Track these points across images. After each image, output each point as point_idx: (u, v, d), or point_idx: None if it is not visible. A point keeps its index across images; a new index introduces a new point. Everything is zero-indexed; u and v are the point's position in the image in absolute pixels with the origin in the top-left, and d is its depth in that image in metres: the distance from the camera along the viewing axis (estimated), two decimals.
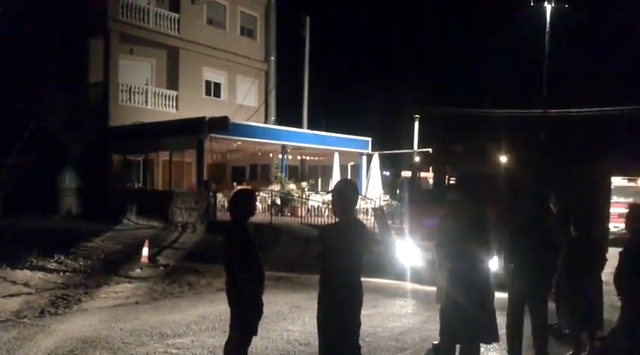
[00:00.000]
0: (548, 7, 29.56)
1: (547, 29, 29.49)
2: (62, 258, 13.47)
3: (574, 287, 6.66)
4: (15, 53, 25.32)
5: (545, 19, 29.60)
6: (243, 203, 5.34)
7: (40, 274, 11.62)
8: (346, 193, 4.92)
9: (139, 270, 12.53)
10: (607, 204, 12.32)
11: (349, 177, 25.84)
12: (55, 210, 23.79)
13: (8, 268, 11.83)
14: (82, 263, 13.20)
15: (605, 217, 11.75)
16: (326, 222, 17.32)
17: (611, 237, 11.00)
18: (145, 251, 13.58)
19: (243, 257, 5.07)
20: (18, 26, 25.38)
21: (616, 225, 12.26)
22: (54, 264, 12.80)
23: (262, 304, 5.23)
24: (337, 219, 4.98)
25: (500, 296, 6.11)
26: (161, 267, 13.07)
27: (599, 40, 43.05)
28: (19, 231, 17.41)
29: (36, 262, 12.81)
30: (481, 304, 5.56)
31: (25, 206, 22.04)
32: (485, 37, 49.73)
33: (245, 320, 5.16)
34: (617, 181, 19.57)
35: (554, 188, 8.46)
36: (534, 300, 6.42)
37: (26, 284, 10.62)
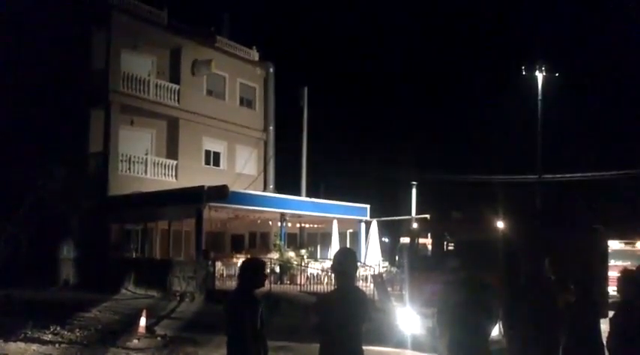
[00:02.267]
0: (540, 76, 30.42)
1: (539, 97, 30.26)
2: (58, 329, 13.24)
3: (575, 352, 6.60)
4: (15, 123, 25.71)
5: (537, 87, 30.41)
6: (255, 272, 5.28)
7: (34, 346, 11.41)
8: (345, 262, 4.97)
9: (136, 341, 12.34)
10: (605, 267, 12.32)
11: (348, 244, 25.80)
12: (53, 280, 23.60)
13: (1, 340, 11.61)
14: (78, 334, 12.99)
15: (604, 281, 11.74)
16: (325, 290, 17.20)
17: (610, 300, 10.95)
18: (143, 321, 13.40)
19: (253, 328, 5.01)
20: (19, 96, 25.88)
21: (615, 288, 12.22)
22: (49, 336, 12.58)
23: None
24: (335, 287, 5.01)
25: None
26: (159, 338, 12.87)
27: (591, 104, 43.92)
28: (15, 301, 17.21)
29: (31, 334, 12.57)
30: None
31: (22, 276, 21.87)
32: (481, 105, 50.71)
33: None
34: (614, 245, 19.61)
35: (552, 253, 8.49)
36: None
37: None
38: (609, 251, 13.87)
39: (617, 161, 31.51)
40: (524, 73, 30.93)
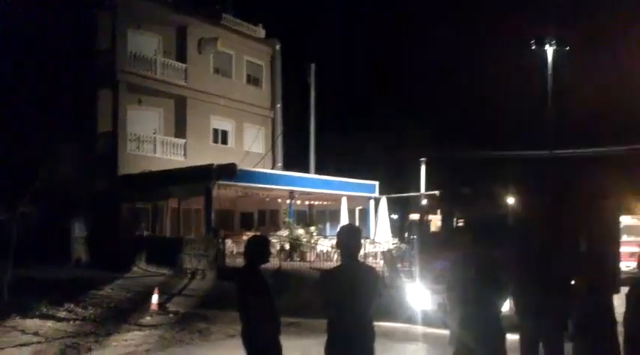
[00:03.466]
0: (550, 50, 30.05)
1: (549, 71, 29.91)
2: (72, 306, 13.43)
3: (587, 329, 6.59)
4: (26, 103, 25.76)
5: (547, 61, 30.06)
6: (259, 248, 5.38)
7: (49, 323, 11.59)
8: (349, 238, 4.96)
9: (149, 318, 12.49)
10: (617, 243, 12.26)
11: (357, 222, 25.86)
12: (65, 258, 23.80)
13: (18, 317, 11.81)
14: (92, 311, 13.16)
15: (616, 256, 11.69)
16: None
17: (622, 276, 10.93)
18: (155, 298, 13.55)
19: (259, 302, 5.08)
20: (26, 77, 25.89)
21: (627, 264, 12.18)
22: (64, 313, 12.76)
23: (281, 350, 5.22)
24: (341, 263, 5.00)
25: (512, 337, 6.06)
26: (171, 315, 13.02)
27: (603, 78, 43.47)
28: (29, 280, 17.39)
29: (46, 311, 12.77)
30: (492, 348, 5.52)
31: (35, 255, 22.07)
32: (491, 80, 50.29)
33: None
34: (626, 220, 19.52)
35: (565, 228, 8.47)
36: (548, 339, 6.35)
37: (36, 334, 10.59)
38: (621, 226, 13.79)
39: (631, 136, 31.20)
40: (533, 47, 30.54)
